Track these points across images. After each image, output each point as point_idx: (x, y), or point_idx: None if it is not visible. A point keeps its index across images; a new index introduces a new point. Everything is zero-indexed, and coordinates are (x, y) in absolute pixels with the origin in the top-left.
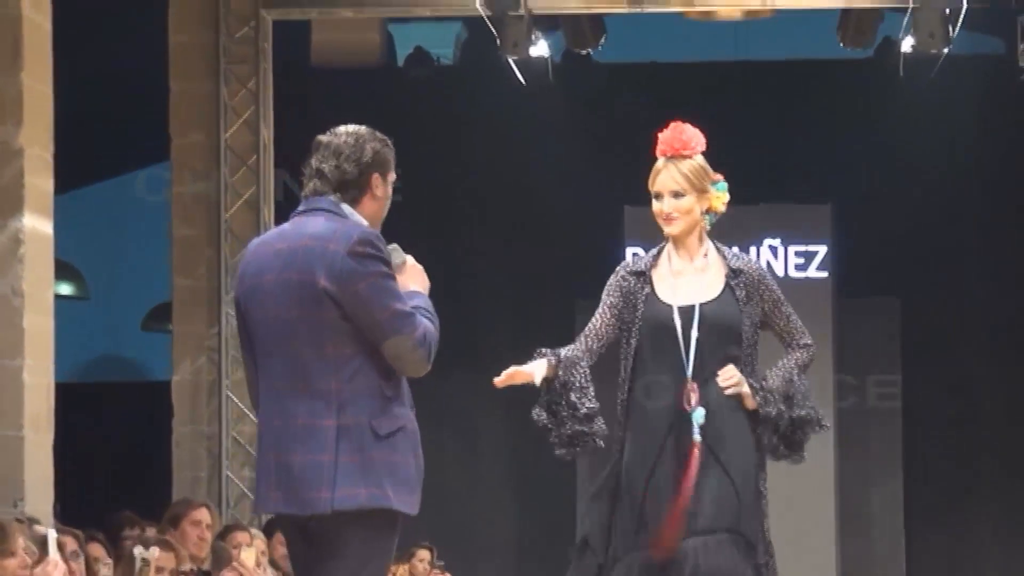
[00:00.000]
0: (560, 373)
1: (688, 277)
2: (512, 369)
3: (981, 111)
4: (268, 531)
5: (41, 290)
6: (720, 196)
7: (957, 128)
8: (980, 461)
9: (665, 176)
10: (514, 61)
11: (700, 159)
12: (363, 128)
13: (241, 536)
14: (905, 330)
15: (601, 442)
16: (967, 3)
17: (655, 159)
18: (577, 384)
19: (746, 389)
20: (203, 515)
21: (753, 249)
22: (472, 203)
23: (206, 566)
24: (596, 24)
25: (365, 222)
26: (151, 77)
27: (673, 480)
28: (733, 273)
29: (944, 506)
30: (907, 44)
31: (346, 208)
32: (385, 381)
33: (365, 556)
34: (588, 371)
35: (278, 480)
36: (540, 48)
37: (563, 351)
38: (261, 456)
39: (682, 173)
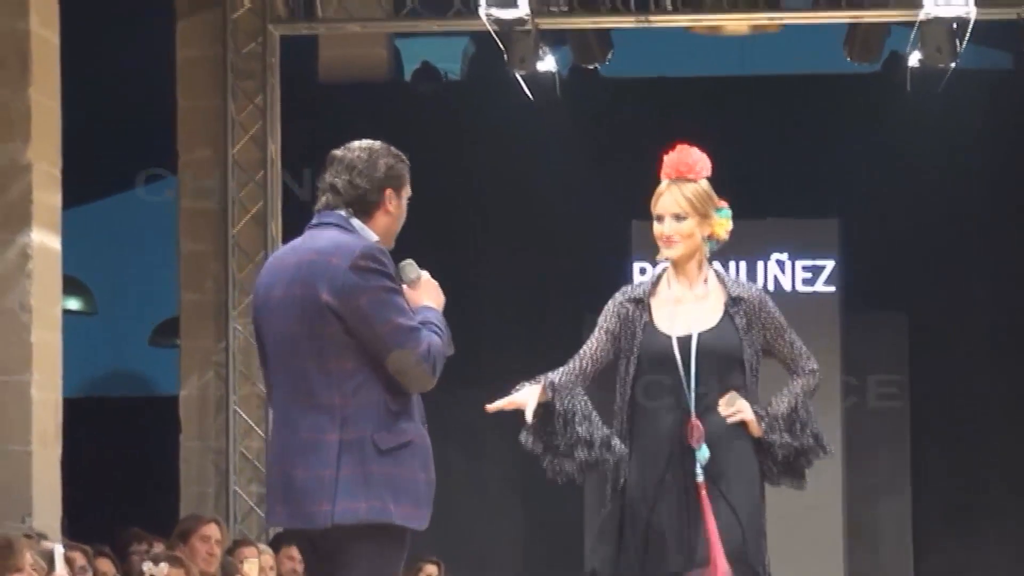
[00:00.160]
0: (558, 404)
1: (688, 305)
2: (504, 400)
3: (988, 125)
4: (275, 546)
5: (49, 305)
6: (723, 223)
7: (964, 142)
8: (988, 475)
9: (668, 198)
10: (521, 76)
11: (705, 184)
12: (378, 143)
13: (248, 551)
14: (913, 344)
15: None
16: (974, 17)
17: (660, 180)
18: (581, 414)
19: (750, 415)
20: (213, 531)
21: (760, 264)
22: (479, 218)
23: None
24: (603, 39)
25: (376, 237)
26: (158, 92)
27: (676, 516)
28: (733, 301)
29: (951, 520)
30: (914, 58)
31: (356, 223)
32: (390, 396)
33: (370, 571)
34: (587, 399)
35: (283, 494)
36: (547, 63)
37: (555, 376)
38: (269, 470)
39: (685, 196)
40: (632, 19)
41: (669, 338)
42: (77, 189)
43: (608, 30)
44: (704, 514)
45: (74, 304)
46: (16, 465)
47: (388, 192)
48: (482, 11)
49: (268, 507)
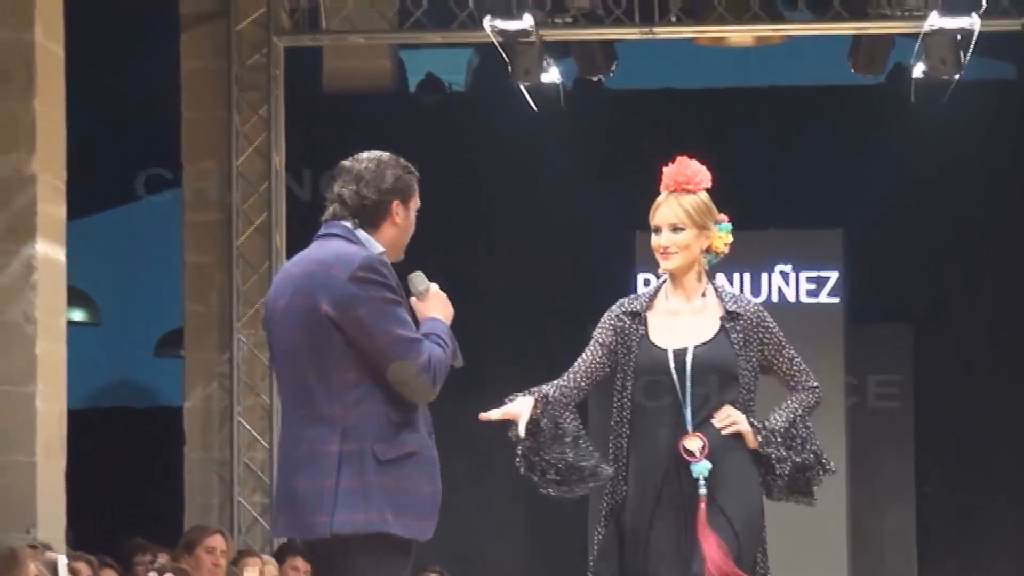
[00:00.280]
0: (545, 421)
1: (685, 318)
2: (498, 412)
3: (992, 136)
4: (280, 556)
5: (53, 317)
6: (722, 236)
7: (969, 153)
8: (993, 484)
9: (666, 209)
10: (525, 87)
11: (704, 196)
12: (386, 154)
13: (252, 562)
14: (917, 355)
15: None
16: (978, 28)
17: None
18: (572, 436)
19: (746, 427)
20: (218, 541)
21: (764, 275)
22: (483, 229)
23: None
24: (607, 50)
25: (380, 248)
26: (163, 104)
27: (675, 532)
28: (729, 316)
29: (956, 529)
30: (918, 70)
31: (361, 234)
32: (392, 407)
33: None
34: (578, 419)
35: (286, 504)
36: (551, 74)
37: (549, 390)
38: (275, 481)
39: (683, 208)
40: (636, 31)
41: (665, 352)
42: (81, 200)
43: (612, 42)
44: (699, 530)
45: (78, 315)
46: (21, 476)
47: (395, 203)
48: (486, 23)
49: (272, 517)
